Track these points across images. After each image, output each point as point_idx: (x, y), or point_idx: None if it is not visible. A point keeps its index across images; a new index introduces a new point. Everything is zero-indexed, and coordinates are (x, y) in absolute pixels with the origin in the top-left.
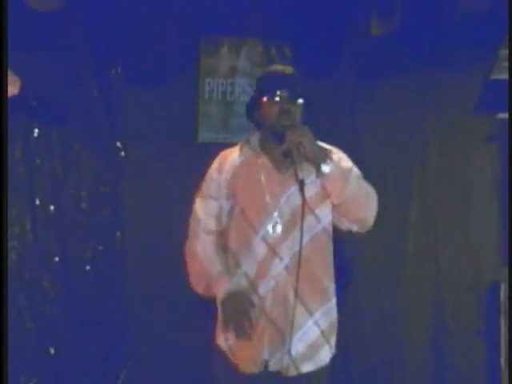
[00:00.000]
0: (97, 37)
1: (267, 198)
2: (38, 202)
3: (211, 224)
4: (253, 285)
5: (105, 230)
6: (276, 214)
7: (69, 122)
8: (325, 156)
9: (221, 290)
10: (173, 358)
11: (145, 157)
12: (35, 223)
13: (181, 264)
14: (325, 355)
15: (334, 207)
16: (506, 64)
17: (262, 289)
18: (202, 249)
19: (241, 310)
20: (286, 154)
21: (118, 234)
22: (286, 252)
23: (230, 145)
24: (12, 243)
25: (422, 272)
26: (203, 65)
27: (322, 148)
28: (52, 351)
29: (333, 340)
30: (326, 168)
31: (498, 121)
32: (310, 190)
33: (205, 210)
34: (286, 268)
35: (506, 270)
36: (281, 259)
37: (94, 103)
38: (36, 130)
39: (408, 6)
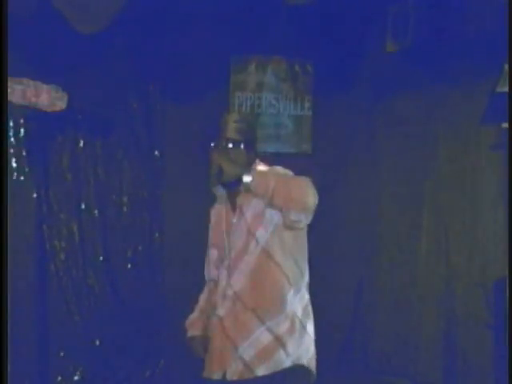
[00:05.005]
0: (136, 56)
1: (223, 229)
2: (83, 207)
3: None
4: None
5: (144, 231)
6: (227, 242)
7: (111, 134)
8: (242, 170)
9: None
10: None
11: (180, 164)
12: (81, 226)
13: None
14: (280, 360)
15: (273, 206)
16: None
17: (221, 310)
18: None
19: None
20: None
21: (157, 235)
22: (237, 277)
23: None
24: (61, 244)
25: (434, 268)
26: (233, 80)
27: (238, 164)
28: (97, 342)
29: (291, 347)
30: (247, 178)
31: (503, 130)
32: (250, 215)
33: None
34: (236, 293)
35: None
36: (231, 286)
37: (133, 116)
38: (81, 141)
39: (420, 25)
